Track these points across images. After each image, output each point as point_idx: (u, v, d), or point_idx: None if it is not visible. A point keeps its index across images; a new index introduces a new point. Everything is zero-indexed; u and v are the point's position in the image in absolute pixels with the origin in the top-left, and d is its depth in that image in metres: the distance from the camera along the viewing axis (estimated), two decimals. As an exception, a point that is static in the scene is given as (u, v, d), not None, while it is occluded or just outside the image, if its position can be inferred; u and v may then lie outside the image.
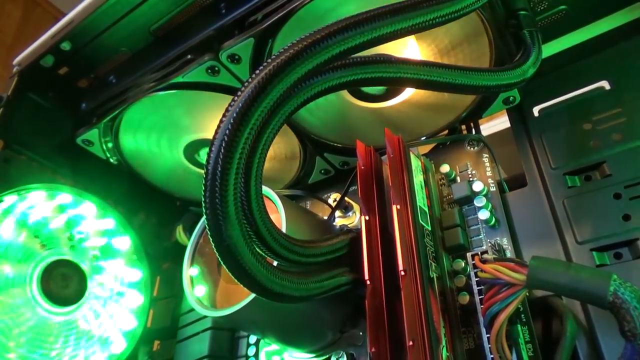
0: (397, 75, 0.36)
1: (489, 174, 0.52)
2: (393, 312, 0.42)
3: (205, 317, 0.59)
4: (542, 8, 0.52)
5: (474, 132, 0.57)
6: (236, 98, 0.28)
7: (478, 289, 0.41)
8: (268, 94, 0.28)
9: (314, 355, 0.51)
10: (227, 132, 0.27)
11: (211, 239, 0.29)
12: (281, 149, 0.60)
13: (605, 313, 0.35)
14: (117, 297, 0.60)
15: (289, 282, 0.34)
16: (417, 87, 0.39)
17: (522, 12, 0.47)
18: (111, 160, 0.61)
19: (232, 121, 0.27)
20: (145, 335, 0.60)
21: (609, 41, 0.52)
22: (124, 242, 0.63)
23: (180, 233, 0.66)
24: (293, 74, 0.29)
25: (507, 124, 0.58)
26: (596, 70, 0.51)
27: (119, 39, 0.56)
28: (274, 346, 0.55)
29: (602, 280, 0.33)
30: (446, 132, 0.58)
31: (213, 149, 0.28)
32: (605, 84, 0.50)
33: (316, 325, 0.49)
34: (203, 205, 0.28)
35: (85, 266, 0.57)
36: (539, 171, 0.50)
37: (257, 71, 0.29)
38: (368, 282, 0.42)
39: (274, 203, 0.46)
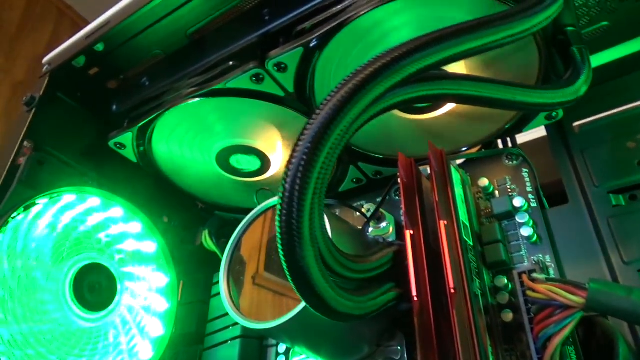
0: (457, 92, 0.36)
1: (529, 189, 0.52)
2: (438, 329, 0.42)
3: (235, 325, 0.58)
4: (583, 24, 0.52)
5: (510, 145, 0.57)
6: (317, 114, 0.28)
7: (527, 308, 0.41)
8: (350, 109, 0.27)
9: (347, 367, 0.51)
10: (308, 150, 0.27)
11: (284, 259, 0.29)
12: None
13: None
14: (145, 302, 0.59)
15: (351, 301, 0.34)
16: (475, 105, 0.39)
17: (569, 29, 0.47)
18: (140, 163, 0.60)
19: (314, 138, 0.27)
20: (171, 341, 0.60)
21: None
22: (151, 246, 0.62)
23: (206, 238, 0.65)
24: (374, 91, 0.28)
25: (534, 135, 0.58)
26: (638, 88, 0.51)
27: (154, 42, 0.55)
28: (304, 356, 0.55)
29: (667, 307, 0.33)
30: (480, 146, 0.58)
31: (291, 167, 0.27)
32: (649, 102, 0.50)
33: (354, 338, 0.48)
34: (278, 225, 0.28)
35: (114, 270, 0.56)
36: (581, 189, 0.49)
37: (341, 84, 0.28)
38: (415, 299, 0.42)
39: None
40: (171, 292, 0.62)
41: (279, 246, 0.28)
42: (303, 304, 0.41)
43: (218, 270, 0.65)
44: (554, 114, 0.50)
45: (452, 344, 0.39)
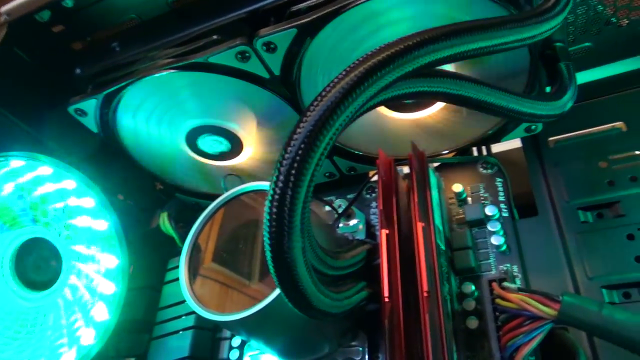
0: (456, 92, 0.35)
1: (501, 199, 0.52)
2: (407, 331, 0.41)
3: (188, 314, 0.55)
4: (568, 42, 0.53)
5: (485, 154, 0.57)
6: (326, 92, 0.26)
7: (502, 317, 0.40)
8: (360, 94, 0.26)
9: (306, 365, 0.49)
10: (313, 130, 0.25)
11: (270, 249, 0.27)
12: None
13: (612, 347, 0.36)
14: (92, 284, 0.55)
15: (329, 298, 0.32)
16: (468, 107, 0.38)
17: (559, 44, 0.48)
18: (101, 134, 0.55)
19: (321, 117, 0.25)
20: (116, 327, 0.56)
21: (628, 82, 0.54)
22: (103, 225, 0.57)
23: (164, 221, 0.61)
24: (385, 78, 0.27)
25: (508, 145, 0.59)
26: (613, 110, 0.52)
27: (131, 4, 0.51)
28: (258, 351, 0.53)
29: (636, 325, 0.33)
30: (455, 152, 0.58)
31: (291, 149, 0.25)
32: (622, 125, 0.51)
33: (316, 336, 0.47)
34: (268, 212, 0.26)
35: (61, 248, 0.51)
36: (551, 202, 0.50)
37: (347, 70, 0.27)
38: (387, 300, 0.41)
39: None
40: (121, 275, 0.57)
41: (266, 234, 0.26)
42: (271, 298, 0.39)
43: (173, 255, 0.63)
44: (533, 126, 0.51)
45: (420, 346, 0.38)
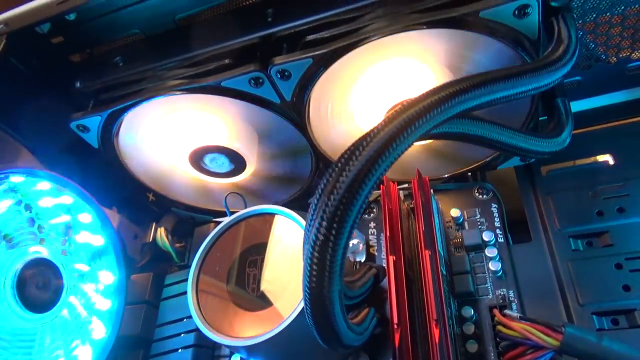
0: (474, 132, 0.37)
1: (497, 224, 0.54)
2: (414, 354, 0.43)
3: (188, 332, 0.55)
4: (560, 75, 0.56)
5: (479, 179, 0.60)
6: (364, 146, 0.26)
7: (503, 344, 0.42)
8: (401, 141, 0.27)
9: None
10: (362, 173, 0.26)
11: (308, 292, 0.27)
12: (293, 168, 0.58)
13: None
14: (89, 301, 0.54)
15: (354, 333, 0.33)
16: (481, 145, 0.40)
17: (556, 80, 0.50)
18: (102, 150, 0.55)
19: (364, 169, 0.26)
20: (114, 344, 0.55)
21: (615, 115, 0.57)
22: (100, 240, 0.57)
23: (162, 236, 0.61)
24: (422, 128, 0.28)
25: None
26: (601, 142, 0.55)
27: (136, 20, 0.51)
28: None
29: (633, 357, 0.36)
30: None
31: (334, 198, 0.26)
32: (609, 158, 0.54)
33: (321, 359, 0.48)
34: (309, 257, 0.26)
35: (61, 267, 0.50)
36: (544, 229, 0.53)
37: (389, 118, 0.28)
38: (396, 327, 0.42)
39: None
40: (118, 290, 0.57)
41: (306, 277, 0.27)
42: (285, 324, 0.40)
43: (170, 271, 0.62)
44: (528, 157, 0.53)
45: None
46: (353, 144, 0.28)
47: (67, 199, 0.53)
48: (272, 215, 0.48)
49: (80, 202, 0.54)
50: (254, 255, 0.47)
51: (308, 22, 0.45)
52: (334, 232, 0.26)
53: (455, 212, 0.55)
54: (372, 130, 0.27)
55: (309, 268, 0.27)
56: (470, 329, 0.48)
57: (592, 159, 0.55)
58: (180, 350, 0.55)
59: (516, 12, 0.38)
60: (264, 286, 0.45)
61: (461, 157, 0.57)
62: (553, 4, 0.40)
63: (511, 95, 0.34)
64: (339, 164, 0.27)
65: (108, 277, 0.56)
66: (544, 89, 0.36)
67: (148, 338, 0.57)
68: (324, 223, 0.26)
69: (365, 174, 0.26)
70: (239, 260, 0.47)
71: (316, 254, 0.26)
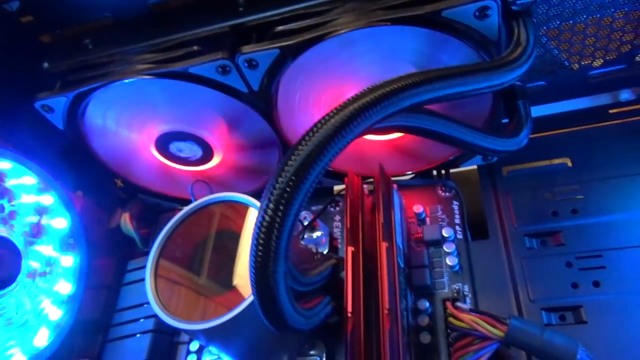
0: (430, 127, 0.38)
1: (457, 221, 0.56)
2: (366, 345, 0.44)
3: (148, 317, 0.55)
4: (524, 79, 0.57)
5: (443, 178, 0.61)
6: (312, 133, 0.27)
7: (453, 335, 0.44)
8: (345, 135, 0.28)
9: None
10: (302, 167, 0.26)
11: (253, 272, 0.28)
12: (261, 158, 0.58)
13: None
14: (48, 284, 0.53)
15: (303, 317, 0.34)
16: (440, 141, 0.41)
17: (518, 83, 0.51)
18: (67, 131, 0.54)
19: (308, 157, 0.26)
20: (71, 327, 0.55)
21: (576, 121, 0.59)
22: (62, 223, 0.56)
23: (126, 221, 0.61)
24: (369, 119, 0.29)
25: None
26: (561, 146, 0.57)
27: (108, 3, 0.51)
28: (217, 356, 0.54)
29: (571, 349, 0.38)
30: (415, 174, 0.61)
31: (282, 181, 0.26)
32: (567, 161, 0.56)
33: (276, 346, 0.48)
34: (256, 237, 0.27)
35: (20, 246, 0.50)
36: (501, 227, 0.54)
37: (338, 109, 0.28)
38: (350, 315, 0.43)
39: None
40: (78, 274, 0.56)
41: (252, 257, 0.28)
42: (239, 310, 0.40)
43: (133, 257, 0.62)
44: (490, 156, 0.55)
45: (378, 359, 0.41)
46: (305, 131, 0.28)
47: (30, 179, 0.53)
48: (244, 206, 0.48)
49: (42, 184, 0.54)
50: (216, 242, 0.47)
51: (278, 13, 0.45)
52: (280, 214, 0.27)
53: (417, 208, 0.56)
54: (323, 118, 0.28)
55: (254, 249, 0.27)
56: (424, 320, 0.49)
57: (551, 162, 0.56)
58: (138, 335, 0.55)
59: (477, 13, 0.39)
60: (222, 273, 0.45)
61: (427, 155, 0.58)
62: (514, 7, 0.41)
63: (465, 91, 0.35)
64: (290, 150, 0.28)
65: (69, 260, 0.56)
66: (498, 88, 0.37)
67: (107, 323, 0.57)
68: (271, 205, 0.27)
69: (313, 160, 0.27)
70: (201, 247, 0.48)
71: (262, 235, 0.27)
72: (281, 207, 0.27)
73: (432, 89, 0.32)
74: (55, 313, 0.54)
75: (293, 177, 0.27)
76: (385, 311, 0.42)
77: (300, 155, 0.27)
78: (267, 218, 0.27)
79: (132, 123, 0.54)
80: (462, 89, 0.34)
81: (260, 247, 0.27)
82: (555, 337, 0.39)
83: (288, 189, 0.27)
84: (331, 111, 0.28)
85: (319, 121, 0.28)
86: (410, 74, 0.32)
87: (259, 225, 0.27)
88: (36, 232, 0.54)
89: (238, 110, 0.52)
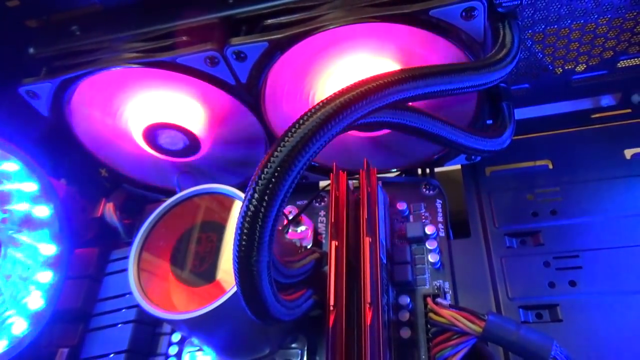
0: (414, 124, 0.38)
1: (439, 219, 0.56)
2: (347, 339, 0.44)
3: (128, 308, 0.55)
4: (509, 81, 0.59)
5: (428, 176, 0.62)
6: (298, 125, 0.28)
7: (433, 330, 0.44)
8: (331, 128, 0.28)
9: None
10: (287, 159, 0.27)
11: (237, 261, 0.28)
12: (247, 151, 0.58)
13: None
14: (28, 272, 0.53)
15: (285, 307, 0.34)
16: (423, 138, 0.42)
17: (502, 85, 0.52)
18: (51, 118, 0.54)
19: (294, 149, 0.27)
20: (51, 316, 0.54)
21: (558, 124, 0.60)
22: (44, 211, 0.56)
23: (110, 211, 0.60)
24: (355, 113, 0.29)
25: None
26: (543, 148, 0.58)
27: (96, -11, 0.50)
28: (198, 347, 0.54)
29: (545, 345, 0.39)
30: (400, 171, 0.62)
31: (267, 171, 0.27)
32: (548, 163, 0.57)
33: (258, 338, 0.49)
34: (240, 226, 0.27)
35: (0, 233, 0.50)
36: (482, 226, 0.55)
37: (324, 102, 0.29)
38: (332, 309, 0.43)
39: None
40: (59, 263, 0.56)
41: (235, 246, 0.28)
42: (222, 300, 0.40)
43: (116, 246, 0.62)
44: (473, 156, 0.56)
45: (359, 353, 0.41)
46: (292, 123, 0.29)
47: (12, 166, 0.52)
48: (229, 199, 0.48)
49: (25, 171, 0.53)
50: (200, 233, 0.47)
51: (268, 6, 0.45)
52: (264, 204, 0.27)
53: (401, 205, 0.57)
54: (309, 110, 0.28)
55: (238, 238, 0.28)
56: (405, 316, 0.50)
57: (533, 163, 0.57)
58: (120, 325, 0.54)
59: (464, 13, 0.40)
60: (206, 264, 0.45)
61: (411, 153, 0.59)
62: (499, 9, 0.42)
63: (450, 90, 0.36)
64: (276, 142, 0.28)
65: (49, 249, 0.56)
66: (482, 88, 0.38)
67: (89, 312, 0.57)
68: (256, 195, 0.27)
69: (299, 152, 0.27)
70: (185, 239, 0.48)
71: (246, 224, 0.27)
72: (266, 198, 0.27)
73: (417, 86, 0.33)
74: (35, 302, 0.53)
75: (279, 168, 0.27)
76: (367, 305, 0.42)
77: (286, 147, 0.27)
78: (251, 208, 0.27)
79: (118, 112, 0.54)
80: (446, 87, 0.35)
81: (244, 237, 0.28)
82: (531, 333, 0.40)
83: (273, 180, 0.27)
84: (317, 104, 0.29)
85: (305, 114, 0.28)
86: (396, 71, 0.32)
87: (244, 215, 0.27)
88: (17, 219, 0.53)
89: (225, 102, 0.52)
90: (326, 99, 0.29)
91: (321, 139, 0.28)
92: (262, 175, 0.27)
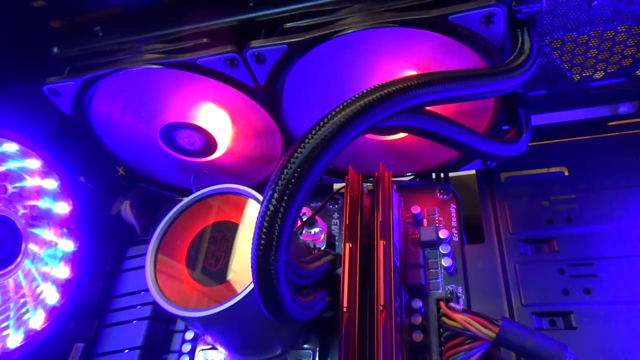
0: (431, 129, 0.38)
1: (453, 223, 0.56)
2: (359, 340, 0.44)
3: (143, 305, 0.56)
4: (527, 87, 0.58)
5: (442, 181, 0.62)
6: (319, 127, 0.28)
7: (445, 334, 0.44)
8: (351, 131, 0.28)
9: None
10: (307, 161, 0.27)
11: (255, 260, 0.29)
12: (262, 150, 0.59)
13: None
14: (46, 268, 0.54)
15: (300, 307, 0.35)
16: (438, 142, 0.42)
17: (519, 91, 0.52)
18: (73, 117, 0.55)
19: (314, 150, 0.27)
20: (67, 311, 0.55)
21: (574, 131, 0.60)
22: (64, 208, 0.57)
23: (127, 209, 0.61)
24: (375, 116, 0.29)
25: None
26: (559, 155, 0.58)
27: (119, -8, 0.51)
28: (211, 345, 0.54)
29: (558, 352, 0.38)
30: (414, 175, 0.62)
31: (287, 172, 0.27)
32: (564, 170, 0.57)
33: (271, 337, 0.49)
34: (259, 226, 0.28)
35: (21, 228, 0.51)
36: (497, 232, 0.55)
37: (345, 104, 0.29)
38: (345, 310, 0.43)
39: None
40: (77, 259, 0.57)
41: (254, 246, 0.28)
42: (237, 299, 0.41)
43: (132, 244, 0.63)
44: (488, 161, 0.56)
45: (371, 355, 0.42)
46: (312, 125, 0.29)
47: (33, 162, 0.54)
48: (245, 199, 0.48)
49: (45, 168, 0.54)
50: (214, 232, 0.48)
51: (287, 10, 0.46)
52: (284, 204, 0.27)
53: (415, 209, 0.57)
54: (329, 113, 0.29)
55: (257, 237, 0.28)
56: (417, 319, 0.50)
57: (548, 170, 0.57)
58: (135, 322, 0.55)
59: (483, 19, 0.40)
60: (222, 263, 0.46)
61: (426, 159, 0.59)
62: (519, 16, 0.42)
63: (468, 95, 0.36)
64: (296, 143, 0.28)
65: (68, 244, 0.57)
66: (500, 94, 0.38)
67: (104, 308, 0.58)
68: (275, 195, 0.27)
69: (318, 154, 0.27)
70: (200, 237, 0.48)
71: (265, 224, 0.28)
72: (285, 198, 0.27)
73: (435, 91, 0.33)
74: (53, 296, 0.55)
75: (298, 169, 0.27)
76: (380, 307, 0.43)
77: (306, 148, 0.28)
78: (271, 208, 0.28)
79: (138, 112, 0.55)
80: (465, 92, 0.35)
81: (263, 236, 0.28)
82: (545, 340, 0.39)
83: (293, 181, 0.27)
84: (337, 107, 0.29)
85: (325, 116, 0.29)
86: (416, 75, 0.33)
87: (263, 215, 0.28)
88: (37, 215, 0.54)
89: (243, 104, 0.52)
90: (346, 101, 0.29)
91: (341, 141, 0.28)
92: (282, 176, 0.27)
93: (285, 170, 0.28)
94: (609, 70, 0.57)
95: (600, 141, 0.59)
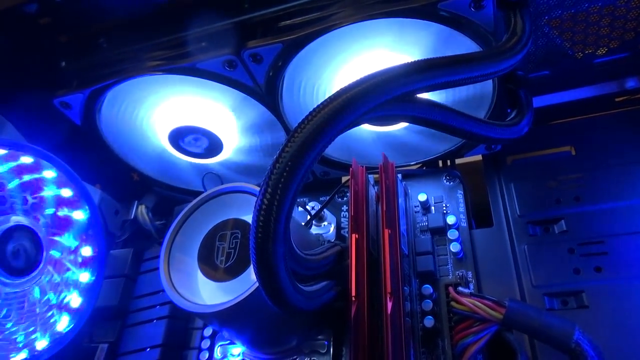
0: (428, 117, 0.39)
1: (461, 209, 0.57)
2: (370, 329, 0.45)
3: (163, 304, 0.58)
4: (528, 68, 0.58)
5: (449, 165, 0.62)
6: (307, 121, 0.29)
7: (455, 318, 0.45)
8: (341, 121, 0.29)
9: (273, 357, 0.52)
10: (297, 153, 0.28)
11: (254, 252, 0.30)
12: (269, 150, 0.60)
13: (550, 351, 0.41)
14: (68, 273, 0.56)
15: (303, 296, 0.36)
16: (438, 130, 0.42)
17: (519, 72, 0.52)
18: (84, 127, 0.57)
19: (304, 143, 0.28)
20: (90, 314, 0.58)
21: (580, 110, 0.59)
22: (81, 215, 0.59)
23: (142, 213, 0.63)
24: (365, 105, 0.30)
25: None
26: (565, 135, 0.58)
27: (120, 3, 0.53)
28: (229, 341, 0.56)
29: (567, 330, 0.39)
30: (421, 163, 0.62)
31: (279, 166, 0.28)
32: (571, 149, 0.57)
33: (285, 329, 0.50)
34: (255, 219, 0.29)
35: (42, 237, 0.53)
36: (505, 215, 0.55)
37: (334, 96, 0.30)
38: (354, 299, 0.44)
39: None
40: (96, 264, 0.59)
41: (252, 239, 0.29)
42: (246, 293, 0.42)
43: (149, 247, 0.65)
44: (493, 145, 0.56)
45: (382, 341, 0.42)
46: (302, 119, 0.30)
47: (50, 173, 0.56)
48: (252, 196, 0.49)
49: (62, 177, 0.57)
50: (225, 230, 0.49)
51: (281, 9, 0.47)
52: (277, 197, 0.28)
53: (422, 197, 0.57)
54: (317, 106, 0.30)
55: (254, 230, 0.29)
56: (429, 306, 0.50)
57: (554, 150, 0.57)
58: (155, 321, 0.57)
59: (472, 4, 0.40)
60: (232, 259, 0.47)
61: (430, 148, 0.59)
62: (509, -2, 0.42)
63: (460, 79, 0.36)
64: (287, 138, 0.29)
65: (87, 250, 0.59)
66: (494, 76, 0.39)
67: (126, 309, 0.60)
68: (269, 189, 0.28)
69: (308, 146, 0.28)
70: (211, 236, 0.50)
71: (261, 217, 0.29)
72: (279, 191, 0.28)
73: (424, 78, 0.34)
74: (76, 300, 0.57)
75: (289, 163, 0.28)
76: (388, 294, 0.43)
77: (295, 142, 0.29)
78: (265, 201, 0.29)
79: (145, 118, 0.56)
80: (455, 77, 0.36)
81: (260, 229, 0.29)
82: (553, 319, 0.40)
83: (285, 174, 0.28)
84: (325, 100, 0.30)
85: (314, 109, 0.30)
86: (403, 64, 0.33)
87: (258, 209, 0.29)
88: (57, 223, 0.57)
89: (246, 104, 0.54)
90: (333, 94, 0.30)
91: (330, 132, 0.29)
92: (275, 171, 0.28)
93: (277, 165, 0.29)
94: (611, 46, 0.56)
95: (606, 118, 0.58)
